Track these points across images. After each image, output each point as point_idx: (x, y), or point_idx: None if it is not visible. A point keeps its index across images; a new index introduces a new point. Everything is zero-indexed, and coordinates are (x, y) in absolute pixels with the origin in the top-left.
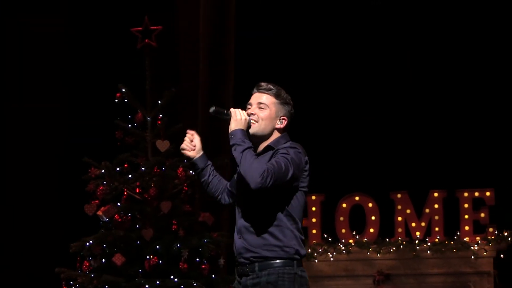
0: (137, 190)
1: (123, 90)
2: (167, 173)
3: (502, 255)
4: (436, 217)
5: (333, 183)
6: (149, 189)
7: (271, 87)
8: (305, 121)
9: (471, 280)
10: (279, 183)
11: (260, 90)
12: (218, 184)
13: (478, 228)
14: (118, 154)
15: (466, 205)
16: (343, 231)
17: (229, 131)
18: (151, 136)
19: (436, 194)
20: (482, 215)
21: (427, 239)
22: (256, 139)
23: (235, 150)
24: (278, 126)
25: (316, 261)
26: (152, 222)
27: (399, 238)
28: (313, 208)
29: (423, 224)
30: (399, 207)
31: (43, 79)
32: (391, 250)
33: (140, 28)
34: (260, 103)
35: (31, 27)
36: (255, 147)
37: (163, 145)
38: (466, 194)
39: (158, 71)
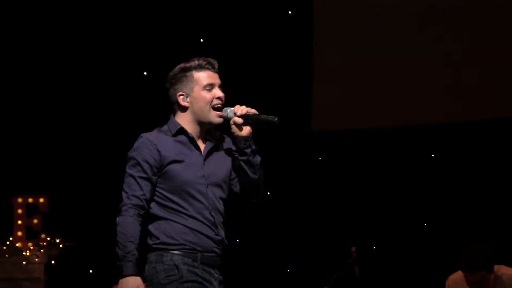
0: None
1: None
2: None
3: (53, 262)
4: None
5: None
6: None
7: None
8: None
9: (23, 285)
10: None
11: (216, 69)
12: None
13: (31, 234)
14: None
15: (20, 211)
16: None
17: (249, 134)
18: None
19: None
20: (35, 221)
21: None
22: (207, 126)
23: (256, 156)
24: None
25: None
26: None
27: None
28: None
29: None
30: None
31: None
32: None
33: None
34: (220, 84)
35: None
36: (201, 135)
37: None
38: (20, 200)
39: None
